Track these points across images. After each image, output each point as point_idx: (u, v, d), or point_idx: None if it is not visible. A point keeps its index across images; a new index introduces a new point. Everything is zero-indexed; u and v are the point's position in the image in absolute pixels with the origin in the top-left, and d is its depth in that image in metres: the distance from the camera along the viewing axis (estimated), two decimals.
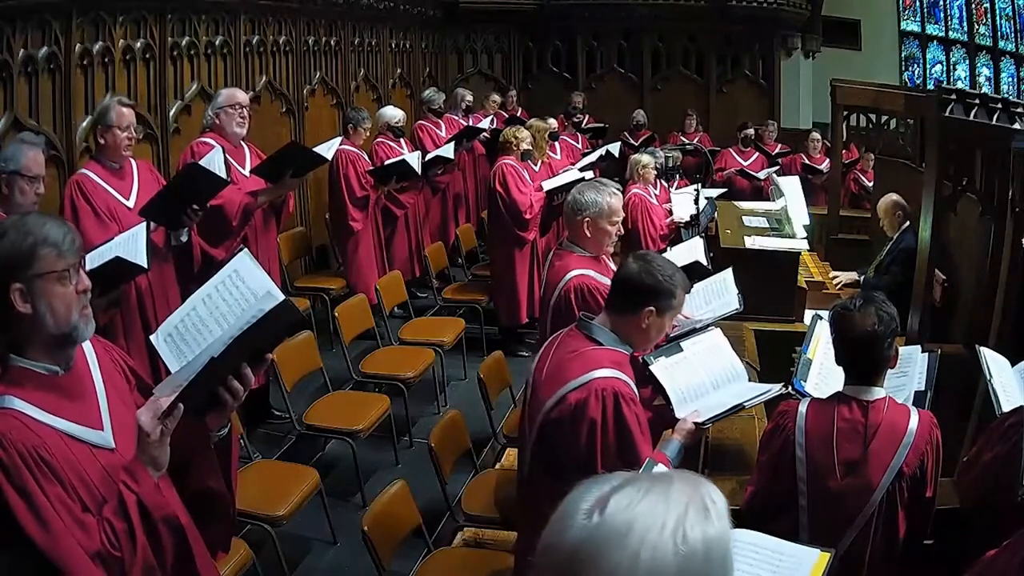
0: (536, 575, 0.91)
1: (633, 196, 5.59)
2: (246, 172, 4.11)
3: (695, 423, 2.36)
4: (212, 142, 3.94)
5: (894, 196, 4.82)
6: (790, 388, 2.60)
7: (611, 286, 2.40)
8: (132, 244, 3.03)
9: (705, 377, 2.53)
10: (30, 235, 1.58)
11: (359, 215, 5.53)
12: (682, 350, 2.55)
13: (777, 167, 7.87)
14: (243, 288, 1.79)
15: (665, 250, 4.65)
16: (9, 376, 1.60)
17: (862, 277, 4.97)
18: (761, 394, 2.50)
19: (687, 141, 8.47)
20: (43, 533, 1.49)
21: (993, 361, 2.54)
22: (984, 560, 1.77)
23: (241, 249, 1.88)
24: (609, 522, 0.86)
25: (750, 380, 2.69)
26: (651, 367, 2.48)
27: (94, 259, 2.95)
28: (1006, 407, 2.32)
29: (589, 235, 3.11)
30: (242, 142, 4.17)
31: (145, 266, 3.03)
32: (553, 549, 0.89)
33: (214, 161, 3.53)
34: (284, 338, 1.90)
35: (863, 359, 2.24)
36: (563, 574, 0.87)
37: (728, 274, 3.35)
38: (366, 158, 5.68)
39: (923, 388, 2.57)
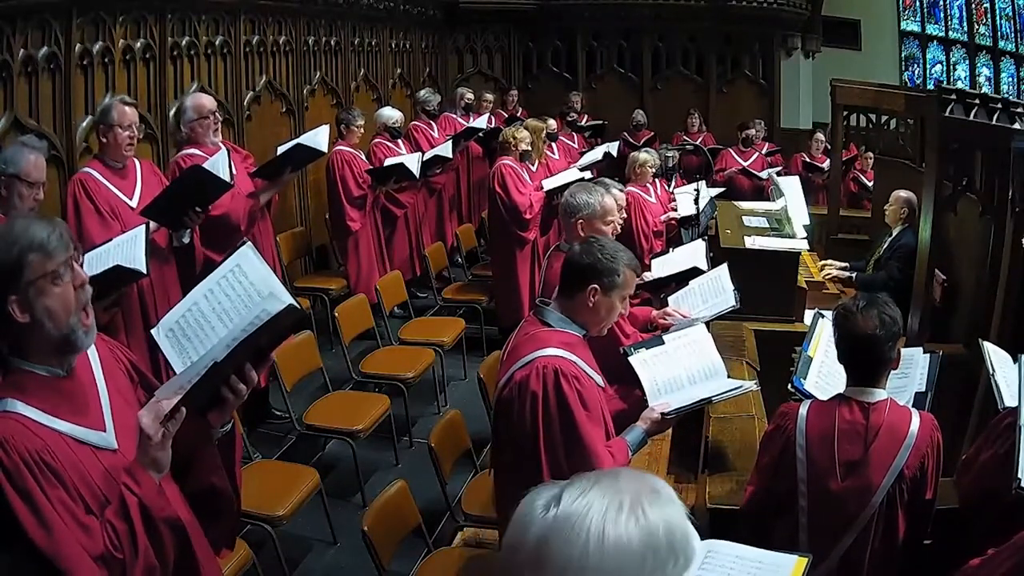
0: (506, 570, 0.95)
1: (628, 195, 5.60)
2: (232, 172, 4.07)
3: (662, 413, 2.40)
4: (198, 152, 3.87)
5: (908, 193, 4.84)
6: (790, 386, 2.61)
7: (560, 271, 2.45)
8: (131, 248, 3.02)
9: (682, 371, 2.57)
10: (15, 244, 1.54)
11: (357, 215, 5.53)
12: (663, 344, 2.59)
13: (779, 167, 7.87)
14: (246, 283, 1.76)
15: (666, 250, 4.65)
16: (10, 379, 1.59)
17: (855, 274, 4.97)
18: (732, 389, 2.52)
19: (690, 141, 8.47)
20: (45, 536, 1.48)
21: (996, 355, 2.54)
22: (969, 567, 1.78)
23: (244, 242, 1.86)
24: (567, 510, 0.92)
25: (748, 380, 2.70)
26: (630, 359, 2.54)
27: (93, 260, 2.95)
28: (1008, 402, 2.32)
29: (584, 236, 3.12)
30: (220, 144, 4.07)
31: (144, 271, 3.03)
32: (518, 547, 0.93)
33: (218, 164, 3.51)
34: (287, 337, 1.88)
35: (865, 360, 2.24)
36: (533, 566, 0.91)
37: (723, 271, 3.33)
38: (363, 158, 5.69)
39: (924, 389, 2.58)
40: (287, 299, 1.68)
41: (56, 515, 1.50)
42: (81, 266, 1.66)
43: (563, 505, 0.92)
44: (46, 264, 1.56)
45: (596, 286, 2.30)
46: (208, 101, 4.02)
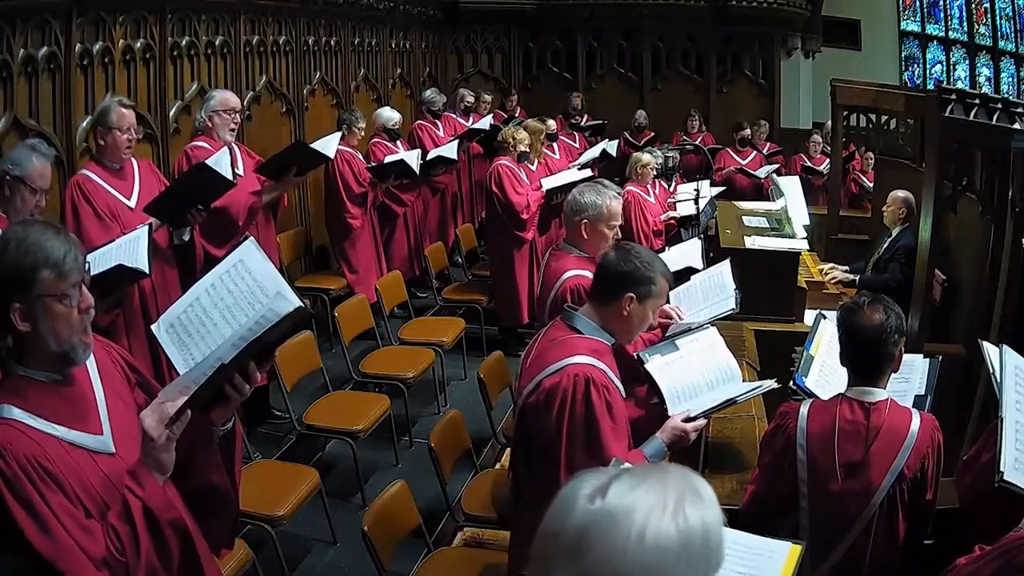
0: (537, 563, 0.93)
1: (628, 194, 5.62)
2: (240, 171, 4.09)
3: (688, 418, 2.36)
4: (207, 145, 3.91)
5: (906, 193, 4.84)
6: (791, 383, 2.60)
7: (593, 276, 2.42)
8: (133, 248, 3.02)
9: (700, 377, 2.53)
10: (30, 255, 1.54)
11: (358, 212, 5.54)
12: (678, 348, 2.56)
13: (777, 166, 7.88)
14: (249, 280, 1.74)
15: (663, 249, 4.65)
16: (8, 385, 1.59)
17: (858, 276, 4.97)
18: (754, 389, 2.51)
19: (690, 141, 8.48)
20: (46, 541, 1.48)
21: (996, 355, 2.54)
22: (955, 567, 1.78)
23: (246, 237, 1.84)
24: (612, 504, 0.90)
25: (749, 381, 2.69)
26: (646, 365, 2.49)
27: (96, 260, 2.94)
28: None
29: (587, 237, 3.11)
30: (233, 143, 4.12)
31: (146, 271, 3.03)
32: (556, 534, 0.92)
33: (221, 162, 3.51)
34: (292, 335, 1.86)
35: (869, 356, 2.22)
36: (567, 557, 0.90)
37: (725, 267, 3.31)
38: (361, 158, 5.70)
39: (923, 392, 2.57)
40: (295, 300, 1.67)
41: (56, 520, 1.49)
42: (89, 281, 1.66)
43: (609, 498, 0.91)
44: (58, 285, 1.56)
45: (633, 295, 2.26)
46: (235, 100, 4.10)
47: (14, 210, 2.85)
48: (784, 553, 1.71)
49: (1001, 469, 1.88)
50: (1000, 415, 2.02)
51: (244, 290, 1.73)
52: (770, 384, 2.54)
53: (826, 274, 5.00)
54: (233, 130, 4.05)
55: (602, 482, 0.93)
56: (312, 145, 4.12)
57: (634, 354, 2.56)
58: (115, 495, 1.58)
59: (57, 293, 1.56)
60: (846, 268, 5.12)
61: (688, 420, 2.37)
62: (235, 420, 1.79)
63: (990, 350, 2.53)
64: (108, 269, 2.92)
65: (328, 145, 4.18)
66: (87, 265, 1.65)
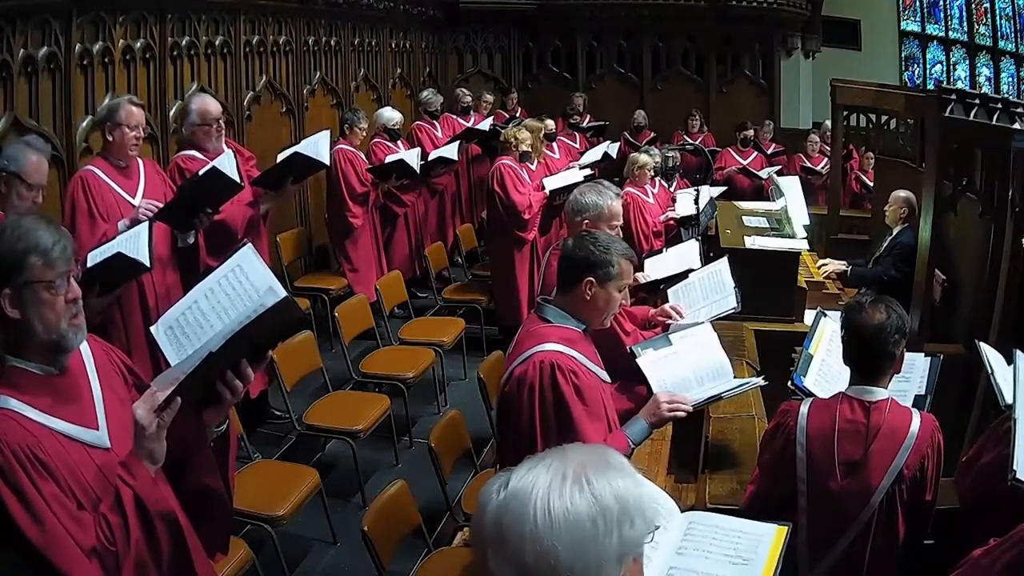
0: (477, 558, 1.01)
1: (627, 195, 5.61)
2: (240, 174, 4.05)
3: (668, 403, 2.39)
4: (198, 155, 3.85)
5: (908, 193, 4.85)
6: (789, 382, 2.61)
7: (556, 267, 2.47)
8: (134, 243, 3.02)
9: (690, 372, 2.57)
10: (21, 241, 1.58)
11: (359, 211, 5.54)
12: (671, 344, 2.59)
13: (779, 167, 7.88)
14: (246, 283, 1.77)
15: (661, 250, 4.64)
16: (5, 376, 1.60)
17: (849, 268, 4.96)
18: (741, 385, 2.53)
19: (690, 140, 8.47)
20: (38, 530, 1.49)
21: (994, 356, 2.55)
22: (970, 559, 1.78)
23: (245, 243, 1.86)
24: (514, 488, 0.99)
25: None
26: (638, 359, 2.54)
27: (96, 257, 2.94)
28: (1009, 399, 2.32)
29: None
30: (224, 147, 4.01)
31: (147, 264, 3.01)
32: (479, 529, 1.00)
33: (227, 165, 3.49)
34: (286, 336, 1.87)
35: (871, 354, 2.23)
36: (495, 552, 0.98)
37: (724, 265, 3.30)
38: (363, 157, 5.70)
39: (923, 392, 2.58)
40: (282, 292, 1.69)
41: (48, 510, 1.51)
42: (79, 275, 1.67)
43: (511, 484, 0.99)
44: (45, 272, 1.60)
45: (591, 279, 2.31)
46: (214, 108, 3.95)
47: (11, 206, 2.84)
48: (770, 535, 1.73)
49: (1014, 468, 1.91)
50: (1013, 417, 2.04)
51: (241, 293, 1.76)
52: (757, 382, 2.58)
53: (821, 267, 5.00)
54: (220, 136, 3.95)
55: (507, 474, 1.02)
56: (305, 152, 3.99)
57: (628, 348, 2.59)
58: (108, 489, 1.59)
59: (44, 280, 1.59)
60: (843, 262, 5.11)
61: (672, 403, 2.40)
62: (229, 424, 1.80)
63: (988, 352, 2.54)
64: (107, 258, 2.91)
65: (321, 151, 4.02)
66: (77, 259, 1.66)
